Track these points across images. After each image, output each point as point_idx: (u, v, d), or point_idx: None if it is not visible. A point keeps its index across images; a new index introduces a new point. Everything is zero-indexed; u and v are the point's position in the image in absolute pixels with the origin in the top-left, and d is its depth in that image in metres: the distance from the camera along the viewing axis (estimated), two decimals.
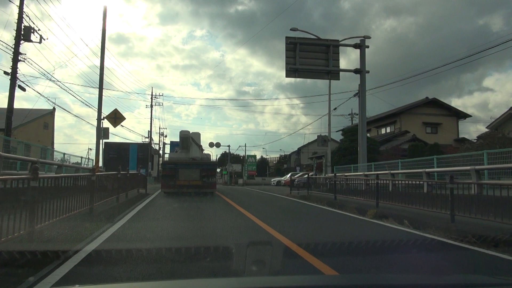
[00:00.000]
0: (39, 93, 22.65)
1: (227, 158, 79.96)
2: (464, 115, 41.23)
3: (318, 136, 23.32)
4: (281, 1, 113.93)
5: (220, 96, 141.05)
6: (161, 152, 60.26)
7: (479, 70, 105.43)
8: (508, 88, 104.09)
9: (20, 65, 17.15)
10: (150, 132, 46.21)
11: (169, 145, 53.99)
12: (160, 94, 49.49)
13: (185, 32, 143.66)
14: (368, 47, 20.11)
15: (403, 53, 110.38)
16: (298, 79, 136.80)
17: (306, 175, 35.63)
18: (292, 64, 19.40)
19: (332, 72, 19.84)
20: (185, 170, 17.47)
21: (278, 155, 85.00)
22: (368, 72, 19.87)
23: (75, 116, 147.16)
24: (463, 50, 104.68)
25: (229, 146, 54.66)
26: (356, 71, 20.02)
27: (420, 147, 27.98)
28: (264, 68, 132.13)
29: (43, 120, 36.22)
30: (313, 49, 19.72)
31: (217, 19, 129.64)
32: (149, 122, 49.46)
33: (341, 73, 20.52)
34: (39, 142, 34.66)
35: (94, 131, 17.25)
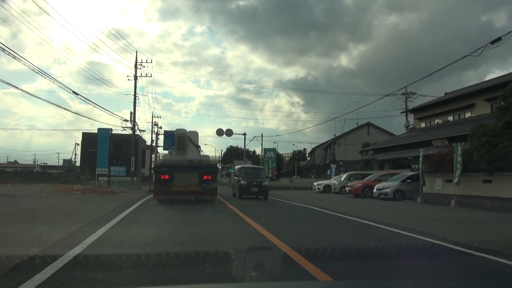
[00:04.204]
0: None
1: (232, 153, 66.15)
2: None
3: None
4: None
5: (220, 93, 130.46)
6: (153, 145, 46.48)
7: (482, 68, 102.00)
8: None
9: None
10: (133, 115, 31.90)
11: (162, 135, 40.95)
12: (148, 61, 34.76)
13: (185, 28, 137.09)
14: None
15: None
16: (298, 76, 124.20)
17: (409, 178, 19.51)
18: None
19: None
20: (181, 174, 15.60)
21: (290, 151, 73.01)
22: None
23: (74, 113, 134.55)
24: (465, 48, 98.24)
25: (244, 134, 39.44)
26: None
27: None
28: (265, 64, 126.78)
29: None
30: None
31: (218, 15, 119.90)
32: (149, 115, 35.12)
33: None
34: None
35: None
